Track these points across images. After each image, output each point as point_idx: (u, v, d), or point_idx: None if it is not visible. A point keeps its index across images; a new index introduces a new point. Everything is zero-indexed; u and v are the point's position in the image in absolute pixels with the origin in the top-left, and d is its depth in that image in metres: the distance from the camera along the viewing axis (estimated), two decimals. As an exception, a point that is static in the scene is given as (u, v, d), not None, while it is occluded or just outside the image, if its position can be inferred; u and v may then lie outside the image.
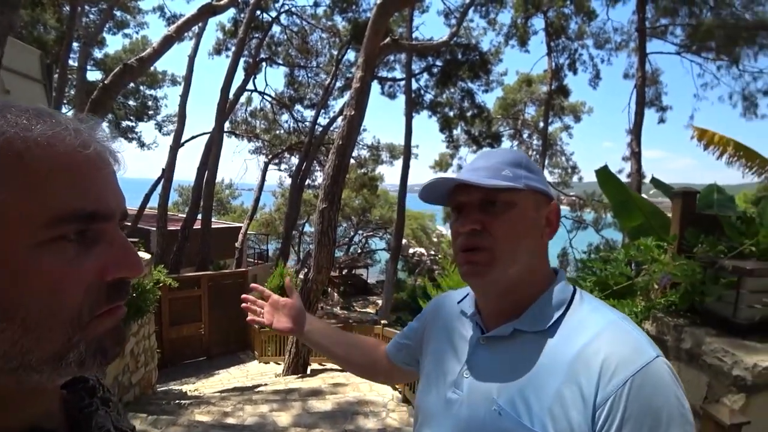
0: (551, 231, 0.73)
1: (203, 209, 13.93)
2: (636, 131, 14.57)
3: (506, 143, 21.85)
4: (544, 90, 19.63)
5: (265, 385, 6.74)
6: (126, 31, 17.36)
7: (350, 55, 17.52)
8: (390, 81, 17.13)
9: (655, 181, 3.47)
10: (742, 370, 1.59)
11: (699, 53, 15.00)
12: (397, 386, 5.85)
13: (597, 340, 0.61)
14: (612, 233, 19.43)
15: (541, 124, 19.95)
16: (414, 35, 14.32)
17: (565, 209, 21.83)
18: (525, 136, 22.40)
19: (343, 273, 23.78)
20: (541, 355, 0.64)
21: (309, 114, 19.89)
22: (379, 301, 18.56)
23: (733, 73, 14.64)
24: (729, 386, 1.63)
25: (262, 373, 8.40)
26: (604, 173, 3.08)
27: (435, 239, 27.51)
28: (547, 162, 20.53)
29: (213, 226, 15.66)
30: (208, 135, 15.03)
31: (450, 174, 0.75)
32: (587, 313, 0.67)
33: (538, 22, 17.18)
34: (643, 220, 2.91)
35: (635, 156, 14.68)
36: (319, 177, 19.93)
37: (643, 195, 4.16)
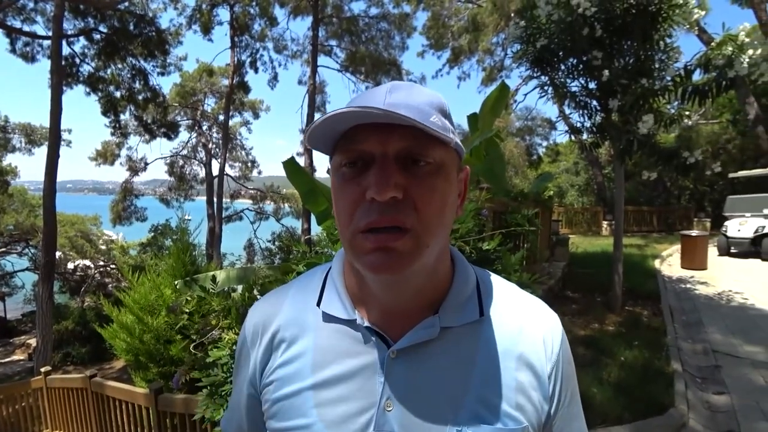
0: (462, 202, 0.58)
1: None
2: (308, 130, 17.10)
3: (184, 134, 20.48)
4: (225, 83, 19.55)
5: None
6: None
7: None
8: (27, 36, 12.40)
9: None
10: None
11: (354, 74, 18.97)
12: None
13: (528, 315, 0.59)
14: (291, 221, 21.70)
15: (221, 117, 19.82)
16: None
17: (247, 202, 22.66)
18: (204, 127, 21.67)
19: (-42, 316, 15.94)
20: (483, 348, 0.55)
21: None
22: (33, 341, 13.50)
23: None
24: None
25: None
26: (291, 165, 3.31)
27: (103, 246, 22.50)
28: (228, 155, 20.60)
29: None
30: None
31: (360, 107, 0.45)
32: (499, 289, 0.61)
33: (224, 14, 16.88)
34: (327, 205, 3.35)
35: (308, 152, 17.18)
36: None
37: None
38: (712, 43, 5.13)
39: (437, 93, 0.54)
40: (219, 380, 1.84)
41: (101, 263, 20.37)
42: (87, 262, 20.29)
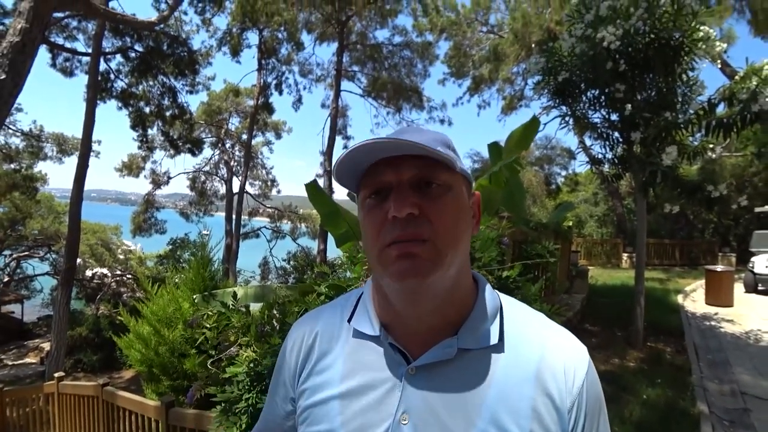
0: (476, 225, 0.63)
1: None
2: (329, 153, 17.38)
3: (208, 151, 21.05)
4: (250, 104, 20.14)
5: None
6: None
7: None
8: (68, 52, 13.08)
9: (351, 195, 4.04)
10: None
11: (376, 99, 19.42)
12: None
13: (550, 344, 0.59)
14: (307, 241, 21.78)
15: (245, 136, 20.32)
16: (111, 5, 11.60)
17: (264, 220, 22.91)
18: (228, 145, 22.24)
19: (-20, 314, 16.32)
20: (500, 372, 0.57)
21: None
22: (46, 345, 13.73)
23: (397, 118, 19.80)
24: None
25: None
26: (313, 187, 3.37)
27: (121, 256, 22.93)
28: (249, 174, 21.02)
29: None
30: None
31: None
32: (524, 317, 0.63)
33: (253, 37, 17.49)
34: (347, 228, 3.37)
35: (327, 174, 17.39)
36: None
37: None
38: (736, 77, 5.10)
39: (441, 132, 0.63)
40: (234, 397, 1.84)
41: (118, 272, 20.74)
42: (104, 271, 20.68)
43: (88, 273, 20.17)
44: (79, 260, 16.77)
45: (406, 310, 0.58)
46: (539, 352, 0.58)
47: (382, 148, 0.54)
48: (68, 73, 13.68)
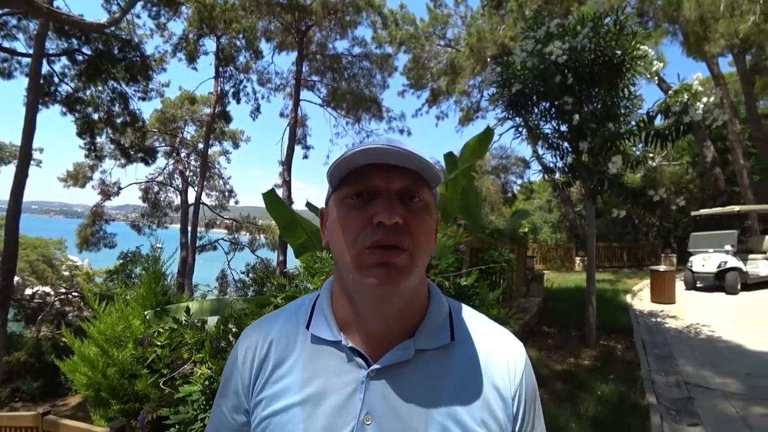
0: (434, 241, 0.66)
1: None
2: (287, 163, 17.15)
3: (162, 161, 20.23)
4: (206, 112, 19.56)
5: None
6: None
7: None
8: (7, 52, 12.06)
9: (310, 205, 3.86)
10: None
11: (336, 109, 19.38)
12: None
13: (494, 341, 0.65)
14: (266, 253, 21.25)
15: (201, 146, 19.70)
16: (55, 5, 10.84)
17: (221, 232, 22.20)
18: (183, 154, 21.48)
19: None
20: (454, 369, 0.61)
21: None
22: (-23, 373, 12.46)
23: (356, 128, 19.86)
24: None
25: None
26: (271, 197, 3.32)
27: (66, 272, 21.38)
28: (205, 184, 20.34)
29: None
30: None
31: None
32: (470, 318, 0.68)
33: (210, 44, 17.04)
34: (306, 238, 3.34)
35: (286, 184, 17.14)
36: None
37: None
38: (670, 92, 5.53)
39: None
40: (189, 418, 1.77)
41: (63, 290, 19.32)
42: (47, 289, 19.19)
43: (28, 292, 18.64)
44: (17, 278, 15.49)
45: (372, 310, 0.60)
46: (486, 349, 0.64)
47: (388, 155, 0.55)
48: (6, 74, 12.71)
